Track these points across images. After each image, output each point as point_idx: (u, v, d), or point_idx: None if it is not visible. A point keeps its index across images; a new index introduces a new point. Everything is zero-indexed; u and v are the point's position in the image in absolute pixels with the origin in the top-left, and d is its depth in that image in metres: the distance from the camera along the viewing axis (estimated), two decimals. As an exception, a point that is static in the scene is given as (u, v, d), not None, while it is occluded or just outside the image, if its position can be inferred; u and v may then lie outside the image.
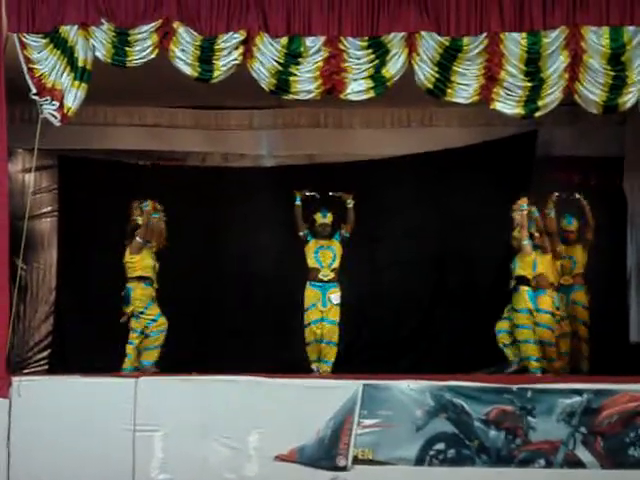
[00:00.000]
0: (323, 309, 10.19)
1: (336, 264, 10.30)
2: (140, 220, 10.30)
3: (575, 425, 9.01)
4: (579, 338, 10.74)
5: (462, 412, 9.09)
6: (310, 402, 9.16)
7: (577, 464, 9.00)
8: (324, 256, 10.30)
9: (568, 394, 9.06)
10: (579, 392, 9.05)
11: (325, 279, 10.24)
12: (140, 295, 10.21)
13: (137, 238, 10.25)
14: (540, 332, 10.14)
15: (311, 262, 10.31)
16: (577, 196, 10.76)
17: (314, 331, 10.23)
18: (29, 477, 9.18)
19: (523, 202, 10.23)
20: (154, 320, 10.20)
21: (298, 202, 10.39)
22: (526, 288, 10.16)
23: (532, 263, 10.21)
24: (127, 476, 9.13)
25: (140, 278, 10.23)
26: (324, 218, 10.40)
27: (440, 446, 9.10)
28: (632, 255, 11.58)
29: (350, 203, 10.38)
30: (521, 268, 10.22)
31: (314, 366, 10.26)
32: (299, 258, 10.47)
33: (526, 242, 10.21)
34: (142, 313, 10.19)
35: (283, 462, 9.10)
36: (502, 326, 10.33)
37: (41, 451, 9.15)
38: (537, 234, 10.37)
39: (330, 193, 10.46)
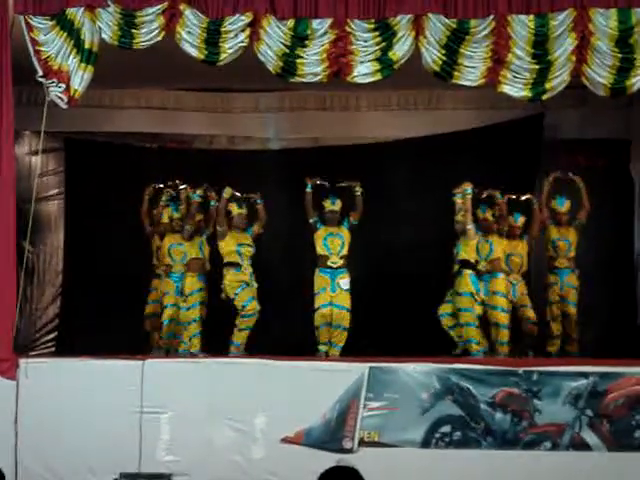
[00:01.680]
0: (332, 294, 10.20)
1: (345, 251, 10.30)
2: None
3: (581, 408, 9.02)
4: (569, 320, 10.67)
5: (468, 395, 9.10)
6: (316, 384, 9.18)
7: (583, 447, 9.01)
8: (333, 243, 10.30)
9: (574, 377, 9.07)
10: (585, 375, 9.06)
11: (334, 266, 10.24)
12: (229, 281, 10.24)
13: (217, 227, 10.35)
14: (495, 315, 10.23)
15: (320, 249, 10.31)
16: (573, 177, 10.71)
17: (323, 314, 10.23)
18: (36, 458, 9.22)
19: (467, 186, 10.25)
20: (244, 306, 10.21)
21: (309, 189, 10.38)
22: (469, 272, 10.18)
23: (475, 247, 10.27)
24: (134, 458, 9.16)
25: (229, 264, 10.29)
26: (333, 205, 10.39)
27: (446, 429, 9.12)
28: (640, 238, 11.58)
29: (358, 191, 10.37)
30: (465, 252, 10.23)
31: (322, 348, 10.26)
32: (306, 241, 10.46)
33: (470, 226, 10.23)
34: (232, 299, 10.23)
35: (289, 444, 9.13)
36: (445, 309, 10.43)
37: (48, 432, 9.18)
38: (490, 217, 10.44)
39: (338, 183, 10.44)
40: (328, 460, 8.72)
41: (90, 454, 9.15)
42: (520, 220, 10.62)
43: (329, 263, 10.24)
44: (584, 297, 11.00)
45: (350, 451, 9.07)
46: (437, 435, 9.11)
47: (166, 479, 9.12)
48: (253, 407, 9.17)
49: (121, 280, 11.21)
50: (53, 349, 11.77)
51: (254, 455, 9.17)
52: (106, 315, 11.18)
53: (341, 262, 10.26)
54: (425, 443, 9.11)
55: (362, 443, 9.11)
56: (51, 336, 11.99)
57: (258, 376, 9.26)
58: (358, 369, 9.19)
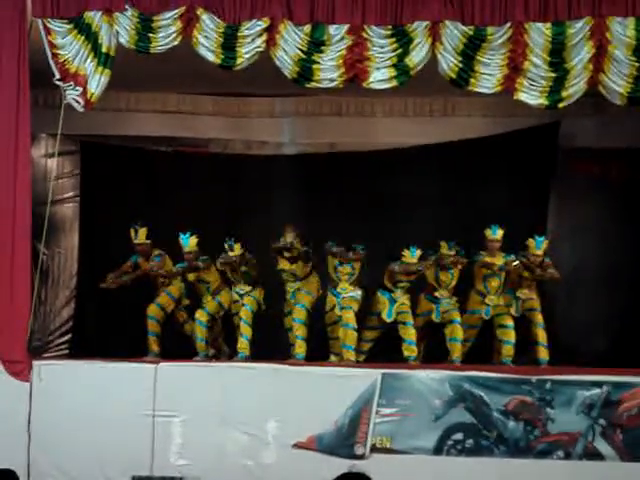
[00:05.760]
0: (340, 312, 10.24)
1: (355, 276, 10.30)
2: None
3: (594, 417, 9.00)
4: (535, 325, 10.52)
5: (481, 402, 9.10)
6: (329, 390, 9.19)
7: (596, 456, 8.99)
8: (342, 272, 10.30)
9: (587, 386, 9.05)
10: (599, 384, 9.04)
11: (343, 293, 10.25)
12: None
13: None
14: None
15: (331, 272, 10.37)
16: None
17: (332, 329, 10.40)
18: (49, 460, 9.25)
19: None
20: None
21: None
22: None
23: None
24: (146, 461, 9.19)
25: None
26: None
27: (458, 436, 9.12)
28: (655, 247, 11.52)
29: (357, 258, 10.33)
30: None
31: (332, 358, 10.30)
32: (319, 247, 10.47)
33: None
34: None
35: (301, 450, 9.14)
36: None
37: (61, 435, 9.22)
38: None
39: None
40: (340, 466, 8.80)
41: (103, 457, 9.18)
42: (499, 233, 10.51)
43: (338, 290, 10.26)
44: (599, 306, 11.01)
45: (362, 457, 9.07)
46: (449, 442, 9.10)
47: (178, 483, 9.15)
48: (265, 412, 9.19)
49: (135, 282, 11.22)
50: (67, 351, 11.76)
51: (266, 460, 9.18)
52: (120, 318, 11.21)
53: (350, 288, 10.25)
54: (437, 450, 9.10)
55: (374, 449, 9.10)
56: (65, 338, 11.97)
57: (270, 381, 9.27)
58: (371, 375, 9.19)
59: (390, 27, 9.44)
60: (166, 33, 9.53)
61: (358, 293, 10.25)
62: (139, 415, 9.17)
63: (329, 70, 9.48)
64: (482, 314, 10.48)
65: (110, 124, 11.75)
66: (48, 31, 9.61)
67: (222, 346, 10.87)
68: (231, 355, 10.48)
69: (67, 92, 9.57)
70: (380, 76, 9.49)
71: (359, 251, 10.30)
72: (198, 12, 9.50)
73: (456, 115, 11.95)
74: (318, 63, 9.47)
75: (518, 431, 9.09)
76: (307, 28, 9.46)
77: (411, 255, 10.28)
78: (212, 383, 9.31)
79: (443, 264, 10.42)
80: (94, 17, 9.56)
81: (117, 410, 9.15)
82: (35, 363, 9.42)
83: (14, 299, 9.50)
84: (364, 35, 9.44)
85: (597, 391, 9.02)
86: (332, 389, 9.21)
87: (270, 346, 10.54)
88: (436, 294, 10.46)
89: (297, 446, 9.14)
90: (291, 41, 9.44)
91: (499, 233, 10.45)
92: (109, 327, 11.28)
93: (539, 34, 9.30)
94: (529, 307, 10.53)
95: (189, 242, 10.50)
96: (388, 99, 11.64)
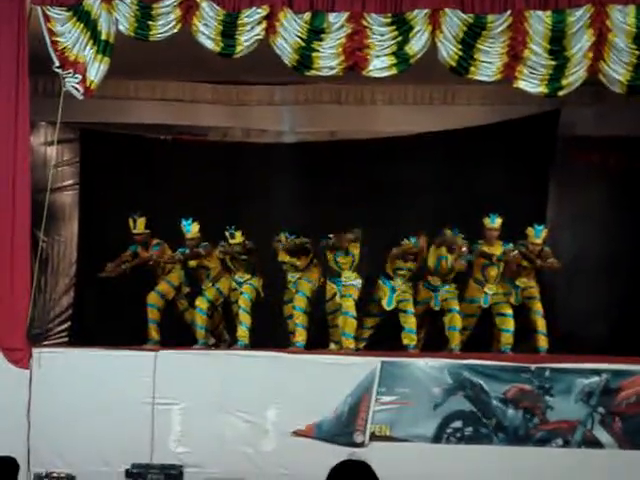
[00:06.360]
0: (340, 300, 10.23)
1: (356, 263, 10.29)
2: None
3: (593, 405, 9.02)
4: (534, 314, 10.49)
5: (480, 390, 9.11)
6: (328, 378, 9.21)
7: (595, 444, 9.02)
8: (342, 262, 10.29)
9: (587, 374, 9.07)
10: (598, 372, 9.06)
11: (344, 281, 10.24)
12: None
13: None
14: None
15: (332, 263, 10.35)
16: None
17: (334, 317, 10.36)
18: (49, 447, 9.27)
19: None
20: None
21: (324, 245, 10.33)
22: None
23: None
24: (146, 448, 9.20)
25: None
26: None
27: (457, 424, 9.14)
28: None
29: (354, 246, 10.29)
30: None
31: (332, 346, 10.30)
32: (319, 235, 10.47)
33: None
34: None
35: (300, 437, 9.16)
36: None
37: (61, 422, 9.23)
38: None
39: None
40: (339, 454, 8.77)
41: (102, 444, 9.20)
42: (497, 222, 10.47)
43: (342, 279, 10.24)
44: (598, 294, 11.03)
45: (361, 445, 9.09)
46: (448, 430, 9.13)
47: (177, 470, 9.15)
48: (265, 400, 9.20)
49: (135, 270, 11.22)
50: (66, 339, 11.78)
51: (265, 447, 9.20)
52: (120, 305, 11.22)
53: (353, 275, 10.24)
54: (436, 438, 9.12)
55: (373, 437, 9.13)
56: (65, 326, 11.99)
57: (270, 369, 9.29)
58: (370, 363, 9.21)
59: (390, 15, 9.43)
60: (165, 21, 9.52)
61: (358, 282, 10.26)
62: (139, 403, 9.18)
63: (329, 58, 9.47)
64: (481, 303, 10.49)
65: (109, 112, 11.73)
66: (47, 18, 9.59)
67: (223, 334, 10.89)
68: (231, 343, 10.51)
69: (66, 80, 9.56)
70: (380, 64, 9.48)
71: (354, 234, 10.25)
72: (198, 0, 9.48)
73: (456, 103, 11.94)
74: (318, 51, 9.46)
75: (517, 419, 9.11)
76: (307, 16, 9.45)
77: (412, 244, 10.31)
78: (212, 371, 9.33)
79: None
80: (93, 4, 9.54)
81: (117, 398, 9.17)
82: (35, 351, 9.43)
83: (14, 287, 9.51)
84: (364, 23, 9.42)
85: (596, 379, 9.03)
86: (332, 377, 9.23)
87: (270, 334, 10.56)
88: (436, 283, 10.47)
89: (296, 434, 9.16)
90: (291, 29, 9.43)
91: (498, 222, 10.44)
92: (109, 315, 11.28)
93: (539, 22, 9.29)
94: (528, 295, 10.53)
95: (191, 229, 10.51)
96: (388, 87, 11.62)
